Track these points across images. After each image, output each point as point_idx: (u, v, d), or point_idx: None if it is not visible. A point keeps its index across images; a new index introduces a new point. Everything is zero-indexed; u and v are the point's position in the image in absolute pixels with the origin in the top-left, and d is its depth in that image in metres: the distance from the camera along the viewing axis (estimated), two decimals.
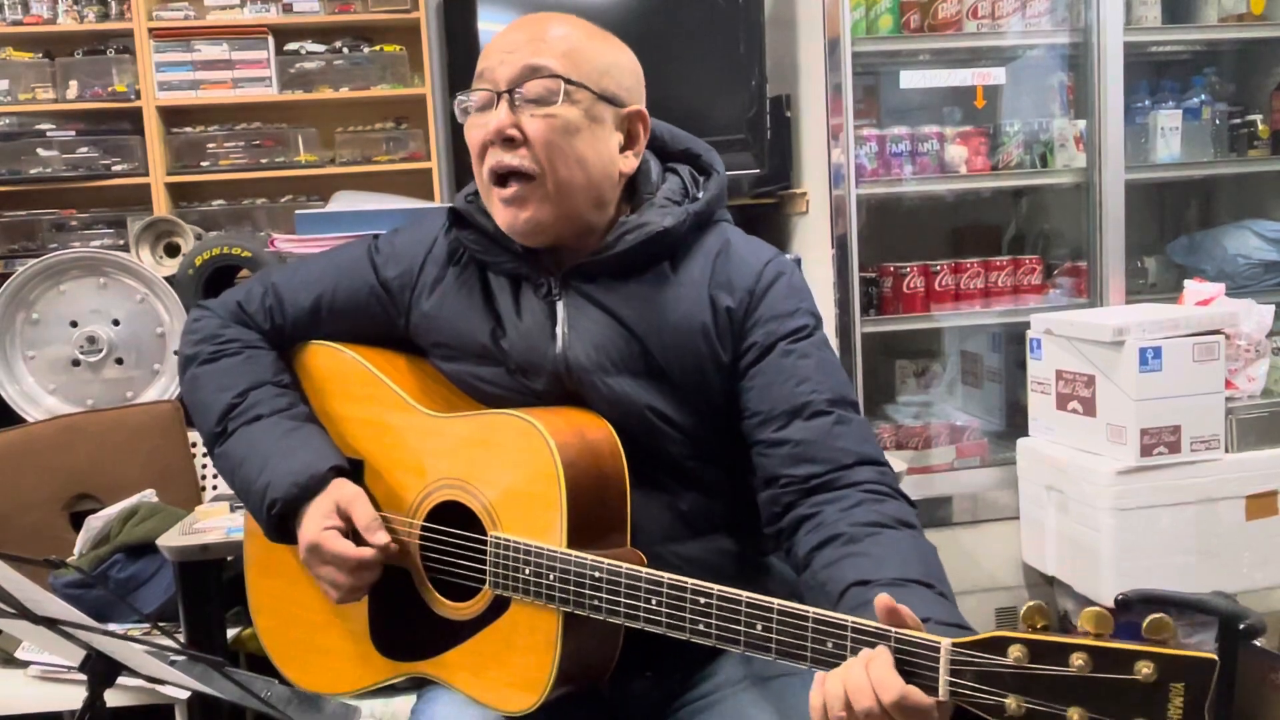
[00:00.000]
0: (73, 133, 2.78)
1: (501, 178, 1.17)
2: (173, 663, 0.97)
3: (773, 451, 1.15)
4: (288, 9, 2.85)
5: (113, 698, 1.16)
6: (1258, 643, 1.73)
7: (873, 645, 0.89)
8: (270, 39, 2.83)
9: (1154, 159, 2.74)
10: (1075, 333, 2.36)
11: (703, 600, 0.99)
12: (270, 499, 1.20)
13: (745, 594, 0.98)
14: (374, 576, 1.19)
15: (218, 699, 0.99)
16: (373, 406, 1.28)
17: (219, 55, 2.80)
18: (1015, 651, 0.81)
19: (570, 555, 1.07)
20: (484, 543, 1.14)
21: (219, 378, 1.30)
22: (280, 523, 1.22)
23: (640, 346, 1.19)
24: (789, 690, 1.18)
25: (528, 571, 1.10)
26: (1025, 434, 2.57)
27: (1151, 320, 2.27)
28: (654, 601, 1.02)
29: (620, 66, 1.22)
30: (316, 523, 1.18)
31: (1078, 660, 0.79)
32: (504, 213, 1.18)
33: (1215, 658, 0.76)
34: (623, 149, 1.22)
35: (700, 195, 1.25)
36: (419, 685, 1.26)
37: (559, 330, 1.20)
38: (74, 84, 2.79)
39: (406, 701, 1.29)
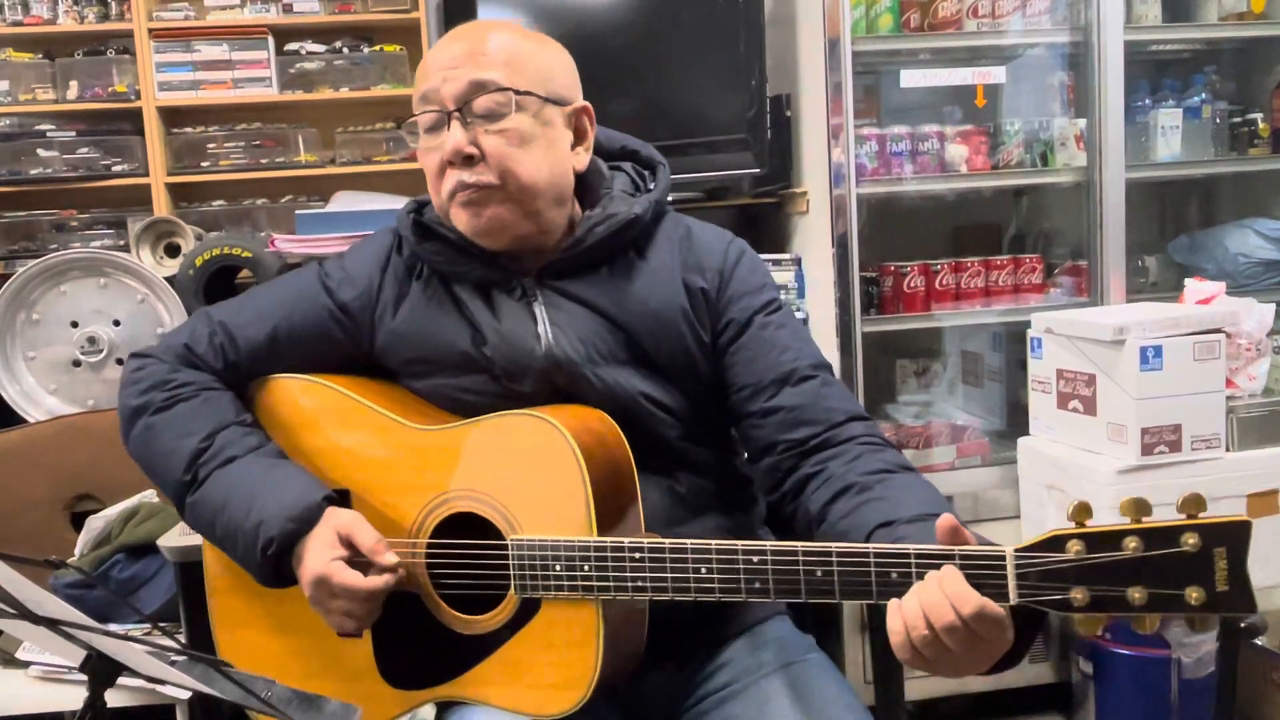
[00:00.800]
0: (73, 133, 2.79)
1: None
2: (173, 663, 0.97)
3: (766, 421, 1.18)
4: (288, 9, 2.85)
5: (114, 698, 1.16)
6: (1258, 641, 1.74)
7: (937, 567, 0.92)
8: (270, 39, 2.83)
9: (1154, 158, 2.74)
10: (1076, 332, 2.36)
11: (756, 559, 1.01)
12: (265, 538, 1.15)
13: (800, 544, 1.00)
14: (380, 604, 1.16)
15: (219, 699, 0.99)
16: (354, 433, 1.24)
17: (219, 55, 2.80)
18: (1074, 546, 0.87)
19: (605, 541, 1.07)
20: (502, 549, 1.13)
21: (178, 424, 1.23)
22: (275, 563, 1.17)
23: (624, 335, 1.21)
24: (808, 675, 1.20)
25: (558, 568, 1.09)
26: (1026, 433, 2.57)
27: (1152, 319, 2.26)
28: (704, 570, 1.04)
29: (559, 65, 1.24)
30: (320, 555, 1.14)
31: (1131, 544, 0.85)
32: (464, 215, 1.19)
33: (1248, 519, 0.84)
34: (573, 146, 1.24)
35: (653, 186, 1.29)
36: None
37: (541, 329, 1.21)
38: (74, 84, 2.79)
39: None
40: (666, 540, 1.06)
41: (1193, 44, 2.92)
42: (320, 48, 2.88)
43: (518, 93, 1.16)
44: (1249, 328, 2.35)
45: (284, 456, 1.25)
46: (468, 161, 1.16)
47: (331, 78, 2.86)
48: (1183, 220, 3.09)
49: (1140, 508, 0.86)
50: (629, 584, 1.07)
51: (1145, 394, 2.23)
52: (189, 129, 2.88)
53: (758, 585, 1.02)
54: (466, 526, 1.17)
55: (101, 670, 0.98)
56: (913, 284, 2.69)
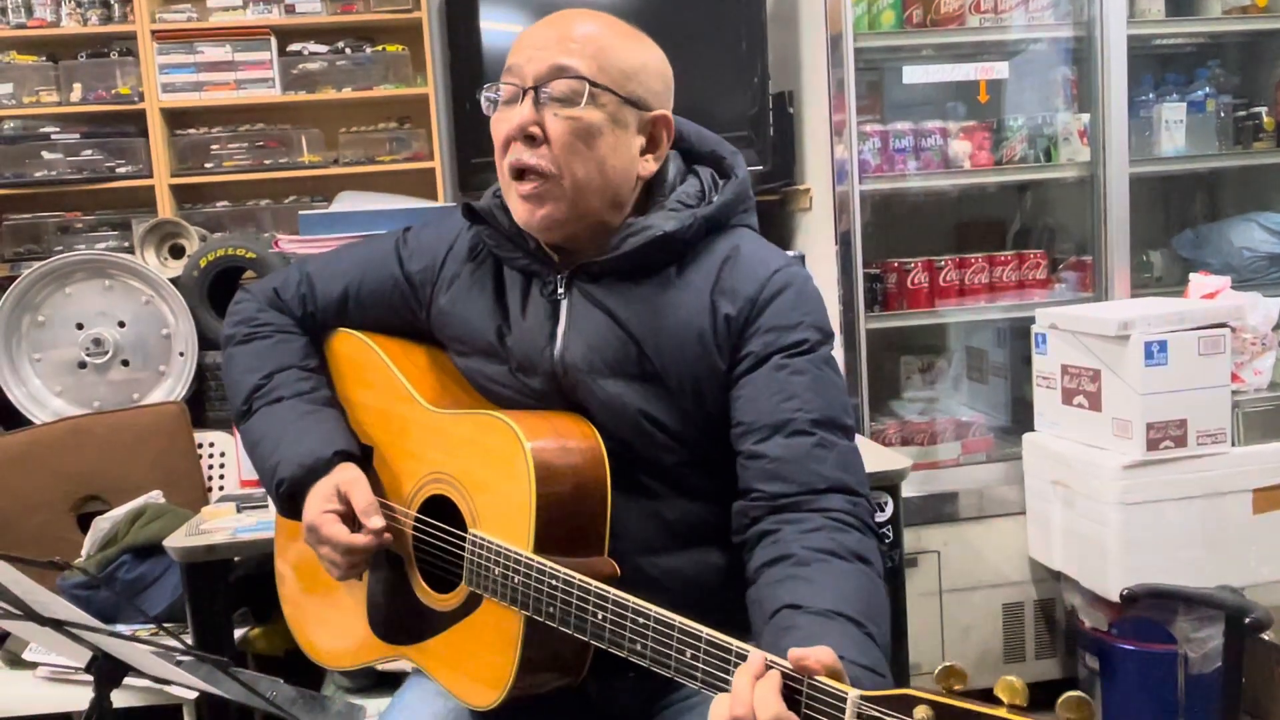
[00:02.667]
0: (77, 135, 2.79)
1: (520, 173, 1.17)
2: (178, 663, 0.98)
3: (750, 464, 1.14)
4: (290, 10, 2.85)
5: (121, 698, 1.17)
6: (1265, 636, 1.73)
7: (791, 686, 0.87)
8: (273, 40, 2.83)
9: (1158, 152, 2.73)
10: (1080, 327, 2.36)
11: (640, 620, 0.99)
12: (279, 478, 1.25)
13: (679, 619, 0.97)
14: (366, 559, 1.22)
15: (225, 699, 1.00)
16: (383, 396, 1.32)
17: (222, 57, 2.80)
18: (920, 712, 0.78)
19: (533, 560, 1.07)
20: (463, 539, 1.16)
21: (249, 359, 1.36)
22: (290, 501, 1.26)
23: (636, 350, 1.18)
24: None
25: (497, 571, 1.11)
26: (1031, 429, 2.56)
27: (1157, 314, 2.26)
28: (600, 616, 1.02)
29: (648, 69, 1.21)
30: (316, 505, 1.22)
31: None
32: (521, 207, 1.19)
33: None
34: (643, 152, 1.21)
35: (715, 199, 1.24)
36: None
37: (559, 329, 1.21)
38: (78, 87, 2.79)
39: None
40: (577, 575, 1.05)
41: (1196, 38, 2.91)
42: (323, 48, 2.88)
43: (594, 85, 1.14)
44: (1254, 322, 2.35)
45: (329, 405, 1.34)
46: (530, 141, 1.16)
47: (334, 78, 2.86)
48: (1187, 215, 3.08)
49: (1015, 693, 0.76)
50: (544, 607, 1.07)
51: (1150, 389, 2.23)
52: (192, 130, 2.88)
53: (638, 647, 0.99)
54: (450, 508, 1.21)
55: (107, 670, 0.98)
56: (917, 280, 2.68)
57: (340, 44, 2.89)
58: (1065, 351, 2.41)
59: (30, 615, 0.92)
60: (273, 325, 1.38)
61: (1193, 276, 2.49)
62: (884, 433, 2.72)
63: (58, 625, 0.91)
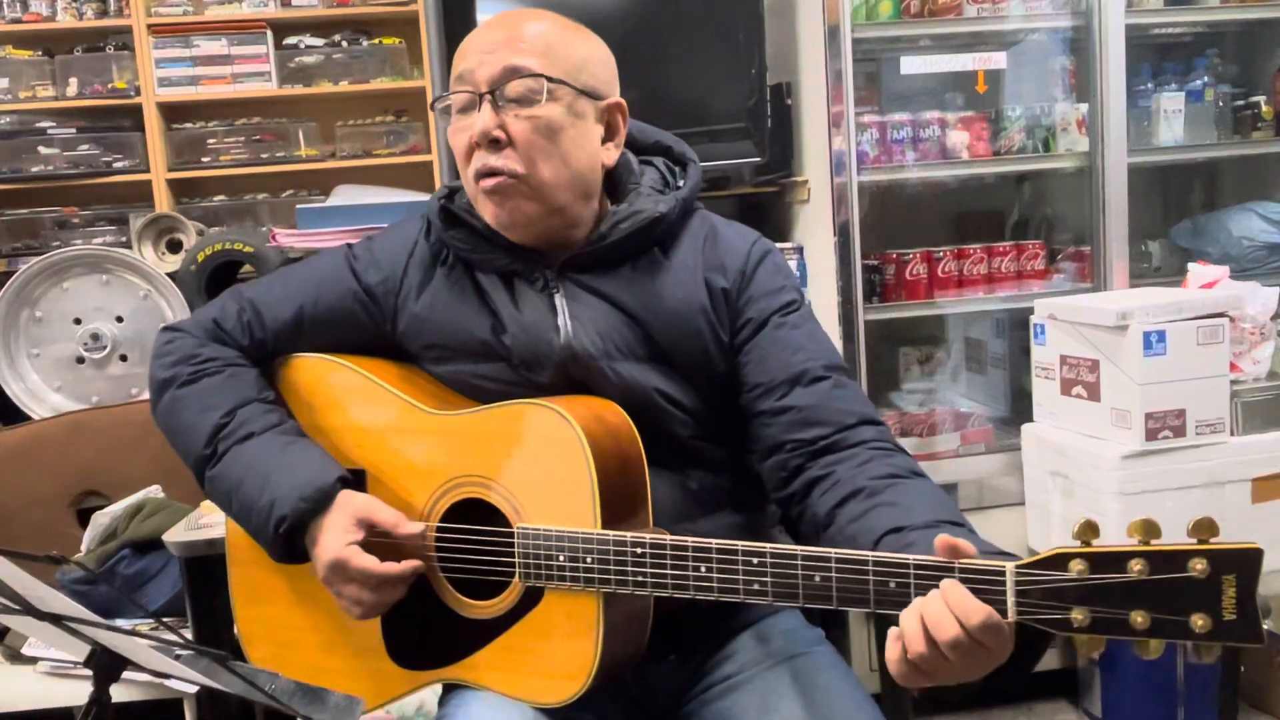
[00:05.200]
0: (73, 130, 2.78)
1: (486, 176, 1.18)
2: (177, 657, 0.98)
3: (776, 420, 1.18)
4: (286, 3, 2.84)
5: (122, 693, 1.17)
6: (1263, 625, 1.74)
7: (936, 579, 0.92)
8: (269, 33, 2.82)
9: (1157, 142, 2.73)
10: (1079, 317, 2.36)
11: (755, 560, 1.02)
12: (277, 516, 1.16)
13: (800, 548, 0.99)
14: (400, 593, 1.17)
15: (225, 692, 1.00)
16: (371, 414, 1.25)
17: (218, 51, 2.80)
18: (1076, 566, 0.86)
19: (608, 535, 1.08)
20: (508, 536, 1.14)
21: (202, 398, 1.25)
22: (288, 541, 1.18)
23: (642, 331, 1.21)
24: (811, 668, 1.21)
25: (562, 558, 1.10)
26: (1030, 419, 2.56)
27: (1155, 304, 2.26)
28: (703, 568, 1.04)
29: (596, 59, 1.23)
30: (336, 538, 1.14)
31: (1136, 566, 0.83)
32: (489, 207, 1.19)
33: (1260, 547, 0.81)
34: (604, 141, 1.24)
35: (683, 184, 1.29)
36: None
37: (561, 321, 1.21)
38: (74, 81, 2.79)
39: (414, 698, 1.29)
40: (668, 537, 1.06)
41: (1194, 27, 2.90)
42: (319, 41, 2.88)
43: (551, 81, 1.15)
44: (1253, 311, 2.35)
45: (303, 435, 1.26)
46: (494, 145, 1.16)
47: (331, 71, 2.86)
48: (1186, 204, 3.08)
49: (1149, 529, 0.84)
50: (630, 579, 1.07)
51: (1149, 379, 2.23)
52: (189, 124, 2.88)
53: (756, 587, 1.02)
54: (476, 512, 1.18)
55: (106, 665, 0.98)
56: (915, 272, 2.68)
57: (337, 37, 2.88)
58: (1064, 342, 2.41)
59: (29, 610, 0.92)
60: (220, 359, 1.27)
61: (1191, 266, 2.49)
62: None
63: (56, 620, 0.91)
